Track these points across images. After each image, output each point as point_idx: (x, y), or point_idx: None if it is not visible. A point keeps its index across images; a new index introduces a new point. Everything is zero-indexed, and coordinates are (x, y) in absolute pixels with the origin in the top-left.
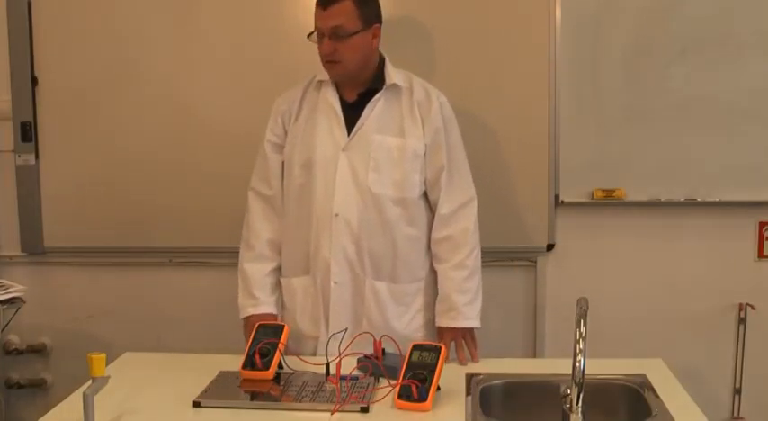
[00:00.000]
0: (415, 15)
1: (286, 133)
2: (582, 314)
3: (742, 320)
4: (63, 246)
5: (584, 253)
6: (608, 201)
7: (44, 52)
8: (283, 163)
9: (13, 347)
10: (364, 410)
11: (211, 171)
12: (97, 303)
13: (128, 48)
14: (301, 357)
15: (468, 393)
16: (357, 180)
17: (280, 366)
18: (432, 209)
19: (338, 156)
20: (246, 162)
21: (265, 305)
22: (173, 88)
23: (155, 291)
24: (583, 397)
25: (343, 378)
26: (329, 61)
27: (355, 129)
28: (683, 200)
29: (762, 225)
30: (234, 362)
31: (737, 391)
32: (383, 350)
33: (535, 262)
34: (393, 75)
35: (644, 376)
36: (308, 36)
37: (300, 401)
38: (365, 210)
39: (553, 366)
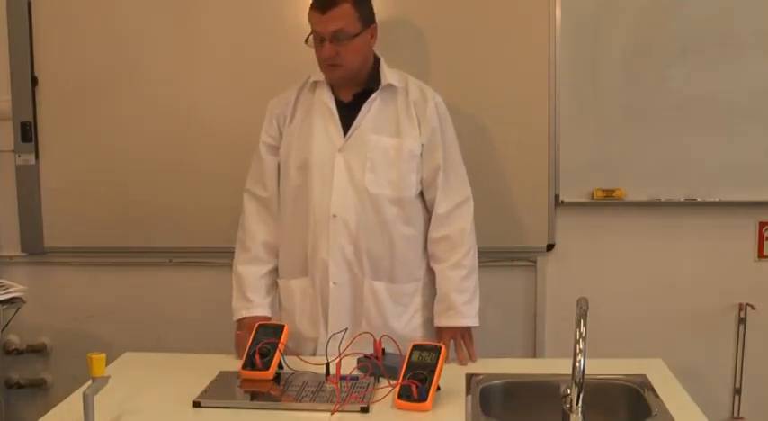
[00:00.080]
0: (416, 16)
1: (281, 135)
2: (582, 314)
3: (742, 320)
4: (63, 246)
5: (584, 253)
6: (608, 201)
7: (44, 52)
8: (279, 165)
9: (13, 347)
10: (364, 410)
11: (211, 171)
12: (97, 303)
13: (128, 48)
14: (301, 357)
15: (468, 393)
16: (354, 180)
17: (280, 366)
18: (428, 208)
19: (335, 156)
20: (246, 162)
21: (259, 308)
22: (173, 88)
23: (155, 291)
24: (583, 397)
25: (343, 378)
26: (331, 65)
27: (351, 129)
28: (683, 200)
29: (762, 225)
30: (234, 363)
31: (737, 391)
32: (383, 350)
33: (535, 262)
34: (388, 75)
35: (644, 376)
36: (306, 41)
37: (300, 401)
38: (362, 210)
39: (553, 366)
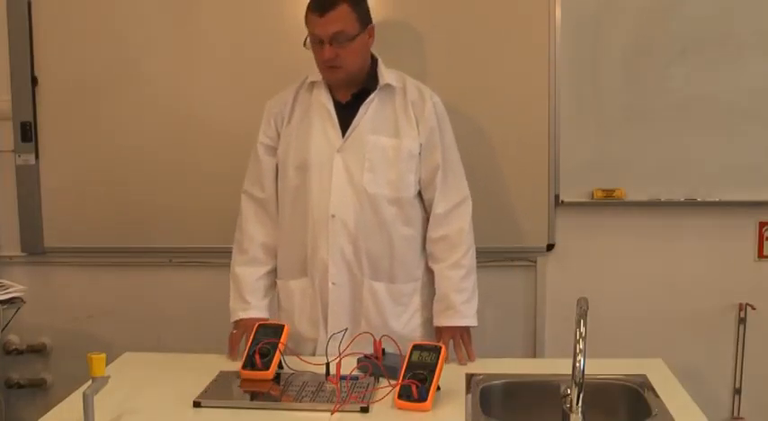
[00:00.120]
0: (415, 16)
1: (279, 135)
2: (582, 314)
3: (742, 320)
4: (63, 246)
5: (584, 253)
6: (608, 201)
7: (44, 52)
8: (277, 165)
9: (13, 347)
10: (364, 410)
11: (211, 171)
12: (97, 303)
13: (128, 48)
14: (301, 357)
15: (467, 393)
16: (353, 181)
17: (280, 366)
18: (426, 208)
19: (333, 157)
20: (246, 162)
21: (256, 309)
22: (173, 88)
23: (155, 291)
24: (583, 397)
25: (343, 378)
26: (331, 67)
27: (350, 130)
28: (683, 200)
29: (762, 225)
30: (234, 363)
31: (737, 391)
32: (383, 350)
33: (535, 262)
34: (386, 75)
35: (644, 376)
36: (305, 44)
37: (300, 401)
38: (361, 210)
39: (553, 366)
